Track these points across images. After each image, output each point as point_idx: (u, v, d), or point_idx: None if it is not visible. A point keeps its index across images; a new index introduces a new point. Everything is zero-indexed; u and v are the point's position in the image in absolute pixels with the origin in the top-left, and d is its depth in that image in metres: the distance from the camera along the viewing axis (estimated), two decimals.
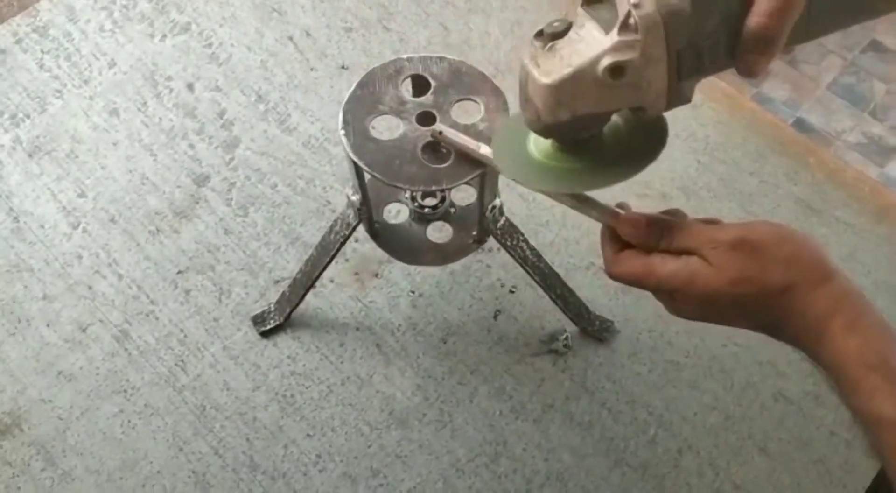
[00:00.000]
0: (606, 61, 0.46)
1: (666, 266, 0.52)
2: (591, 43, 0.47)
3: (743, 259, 0.49)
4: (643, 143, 0.53)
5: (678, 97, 0.48)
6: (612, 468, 0.81)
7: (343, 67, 1.05)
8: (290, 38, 1.08)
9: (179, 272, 0.90)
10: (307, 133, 0.99)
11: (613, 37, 0.45)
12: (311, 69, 1.05)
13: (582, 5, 0.48)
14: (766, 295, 0.49)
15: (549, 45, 0.49)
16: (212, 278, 0.90)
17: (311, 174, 0.97)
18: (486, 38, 1.03)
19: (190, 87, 1.03)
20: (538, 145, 0.57)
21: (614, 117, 0.54)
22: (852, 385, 0.46)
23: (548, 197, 0.59)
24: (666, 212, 0.56)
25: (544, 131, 0.53)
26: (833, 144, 2.06)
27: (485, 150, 0.61)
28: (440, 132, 0.63)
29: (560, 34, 0.49)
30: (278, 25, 1.09)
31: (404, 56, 0.69)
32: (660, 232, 0.53)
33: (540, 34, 0.49)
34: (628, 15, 0.45)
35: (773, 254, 0.49)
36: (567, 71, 0.47)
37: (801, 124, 2.09)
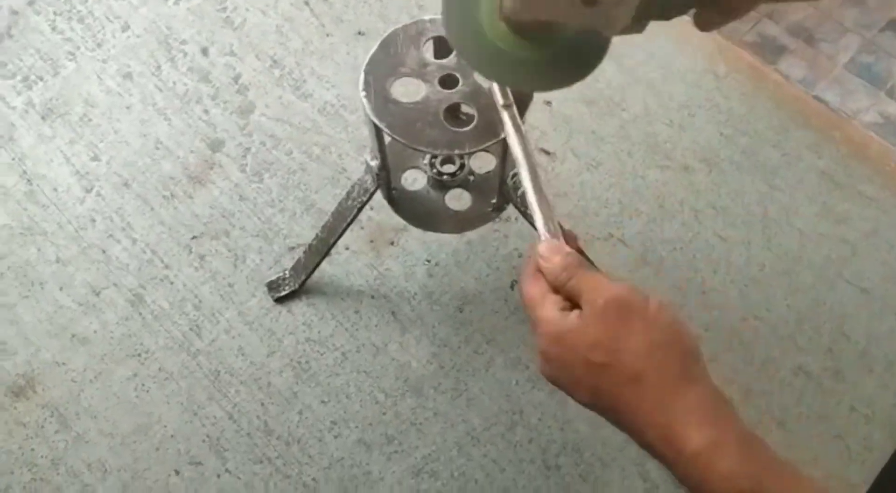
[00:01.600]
0: None
1: (549, 308, 0.47)
2: None
3: (610, 321, 0.44)
4: (584, 53, 0.53)
5: (633, 30, 0.48)
6: (628, 439, 0.80)
7: (360, 33, 1.03)
8: (307, 3, 1.06)
9: (194, 237, 0.90)
10: (323, 99, 0.98)
11: None
12: (328, 35, 1.03)
13: None
14: (617, 373, 0.44)
15: None
16: (226, 243, 0.89)
17: (326, 141, 0.95)
18: None
19: (204, 51, 1.02)
20: (490, 20, 0.53)
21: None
22: None
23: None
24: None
25: (500, 19, 0.52)
26: (852, 124, 2.04)
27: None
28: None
29: None
30: None
31: (426, 17, 0.68)
32: (568, 276, 0.48)
33: None
34: None
35: (641, 329, 0.44)
36: None
37: (820, 103, 2.07)
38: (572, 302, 0.47)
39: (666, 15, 0.48)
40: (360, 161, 0.93)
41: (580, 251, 0.52)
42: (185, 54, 1.02)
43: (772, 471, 0.41)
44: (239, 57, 1.01)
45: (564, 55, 0.53)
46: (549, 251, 0.50)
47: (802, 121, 0.99)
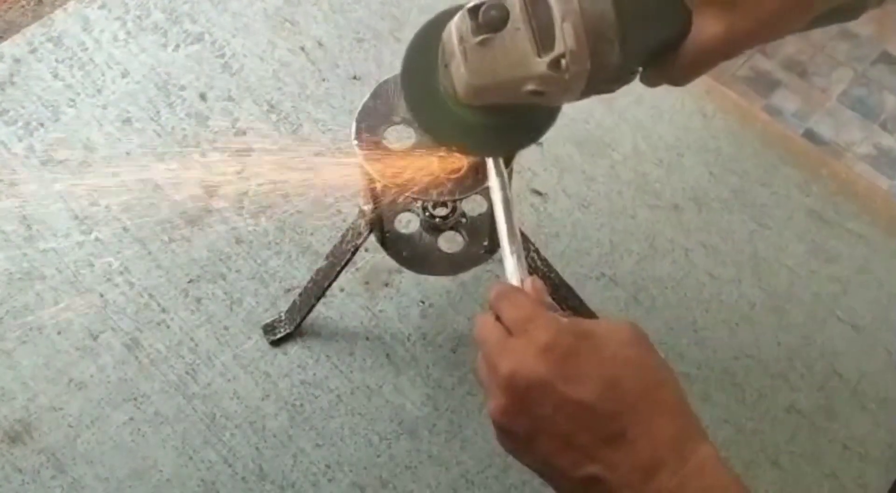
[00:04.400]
0: (530, 87, 0.47)
1: (496, 337, 0.46)
2: (520, 59, 0.47)
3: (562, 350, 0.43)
4: (538, 118, 0.55)
5: (577, 100, 0.50)
6: None
7: (355, 78, 1.05)
8: (303, 49, 1.08)
9: (191, 281, 0.91)
10: (319, 143, 1.00)
11: (542, 68, 0.46)
12: (323, 80, 1.05)
13: None
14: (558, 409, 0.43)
15: (482, 38, 0.47)
16: (223, 286, 0.90)
17: (322, 184, 0.97)
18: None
19: (202, 96, 1.04)
20: (446, 90, 0.54)
21: None
22: None
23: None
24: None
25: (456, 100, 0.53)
26: (843, 157, 2.06)
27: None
28: None
29: (496, 27, 0.47)
30: (290, 36, 1.09)
31: None
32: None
33: (473, 14, 0.47)
34: (562, 55, 0.45)
35: (596, 360, 0.43)
36: (490, 79, 0.48)
37: (810, 136, 2.09)
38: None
39: (611, 88, 0.50)
40: (355, 203, 0.95)
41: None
42: (184, 100, 1.04)
43: None
44: (237, 102, 1.04)
45: (518, 121, 0.55)
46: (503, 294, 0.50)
47: (790, 159, 1.00)
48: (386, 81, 0.69)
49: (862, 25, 2.26)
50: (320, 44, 1.08)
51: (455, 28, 0.49)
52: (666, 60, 0.47)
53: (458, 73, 0.49)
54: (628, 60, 0.47)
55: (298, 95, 1.04)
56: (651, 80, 0.50)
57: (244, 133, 1.01)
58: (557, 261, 0.89)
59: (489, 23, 0.47)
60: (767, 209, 0.96)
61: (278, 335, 0.87)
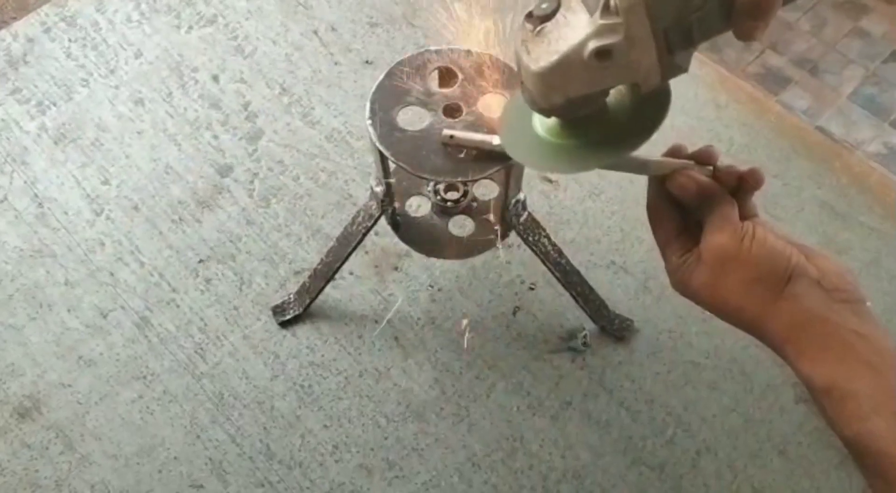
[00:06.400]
0: (591, 46, 0.45)
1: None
2: (577, 27, 0.46)
3: (708, 271, 0.50)
4: (647, 111, 0.52)
5: (672, 70, 0.47)
6: (629, 467, 0.81)
7: (367, 62, 1.05)
8: (315, 33, 1.08)
9: (201, 261, 0.91)
10: (330, 126, 1.00)
11: (596, 20, 0.44)
12: (336, 63, 1.05)
13: None
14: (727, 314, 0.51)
15: (539, 28, 0.48)
16: (233, 267, 0.90)
17: (333, 167, 0.97)
18: (514, 33, 1.03)
19: (215, 78, 1.04)
20: (543, 123, 0.55)
21: (615, 90, 0.53)
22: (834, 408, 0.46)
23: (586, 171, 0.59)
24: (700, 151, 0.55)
25: (543, 112, 0.52)
26: (853, 155, 2.05)
27: (498, 141, 0.61)
28: (451, 136, 0.63)
29: (548, 16, 0.47)
30: (304, 20, 1.09)
31: (432, 48, 0.70)
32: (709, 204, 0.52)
33: (529, 16, 0.48)
34: None
35: (733, 272, 0.49)
36: (554, 57, 0.47)
37: (821, 134, 2.08)
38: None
39: (697, 42, 0.46)
40: (365, 187, 0.95)
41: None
42: (196, 81, 1.04)
43: None
44: (249, 84, 1.03)
45: (623, 118, 0.53)
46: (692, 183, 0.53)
47: (803, 151, 1.00)
48: (401, 62, 0.69)
49: (874, 24, 2.25)
50: (333, 28, 1.08)
51: (519, 40, 0.49)
52: None
53: (527, 71, 0.49)
54: None
55: (311, 79, 1.04)
56: (739, 32, 0.46)
57: (256, 115, 1.01)
58: (568, 248, 0.88)
59: (542, 14, 0.47)
60: (779, 200, 0.96)
61: (287, 317, 0.87)
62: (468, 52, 0.69)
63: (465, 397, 0.84)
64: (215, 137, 0.99)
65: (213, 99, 1.02)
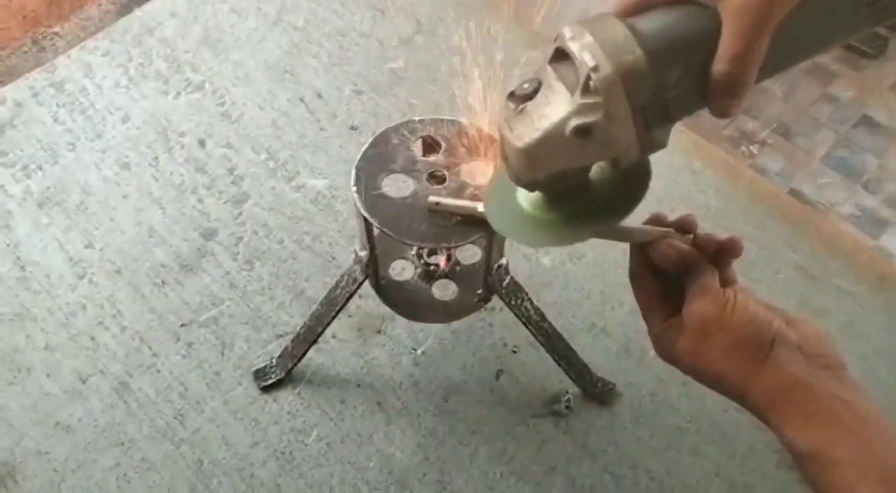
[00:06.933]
0: (572, 124, 0.47)
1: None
2: (558, 105, 0.47)
3: (690, 338, 0.51)
4: (628, 185, 0.54)
5: (651, 145, 0.49)
6: None
7: (352, 128, 1.07)
8: (302, 99, 1.10)
9: (183, 325, 0.90)
10: (315, 190, 1.01)
11: (576, 99, 0.46)
12: (321, 129, 1.07)
13: (549, 62, 0.48)
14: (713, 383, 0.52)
15: (521, 107, 0.49)
16: (215, 331, 0.90)
17: (317, 231, 0.98)
18: (496, 105, 1.05)
19: (202, 143, 1.05)
20: (527, 198, 0.57)
21: (597, 164, 0.54)
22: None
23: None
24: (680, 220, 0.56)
25: (527, 187, 0.54)
26: (827, 216, 2.09)
27: (483, 209, 0.62)
28: (437, 203, 0.65)
29: (530, 95, 0.49)
30: (290, 86, 1.12)
31: (416, 117, 0.72)
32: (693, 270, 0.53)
33: (512, 95, 0.50)
34: (588, 78, 0.45)
35: (716, 341, 0.50)
36: (536, 135, 0.48)
37: (794, 196, 2.12)
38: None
39: (674, 118, 0.48)
40: (349, 250, 0.96)
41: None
42: (183, 146, 1.05)
43: None
44: (235, 149, 1.05)
45: (605, 193, 0.54)
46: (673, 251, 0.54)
47: (777, 215, 1.02)
48: (386, 131, 0.70)
49: (841, 89, 2.33)
50: (319, 95, 1.11)
51: (502, 118, 0.51)
52: (706, 65, 0.46)
53: (511, 148, 0.50)
54: (659, 66, 0.45)
55: (296, 144, 1.06)
56: (714, 109, 0.48)
57: (242, 179, 1.02)
58: (549, 311, 0.89)
59: (524, 94, 0.49)
60: (756, 264, 0.98)
61: (269, 381, 0.86)
62: (452, 121, 0.71)
63: (447, 462, 0.83)
64: (200, 200, 1.00)
65: (199, 163, 1.03)
